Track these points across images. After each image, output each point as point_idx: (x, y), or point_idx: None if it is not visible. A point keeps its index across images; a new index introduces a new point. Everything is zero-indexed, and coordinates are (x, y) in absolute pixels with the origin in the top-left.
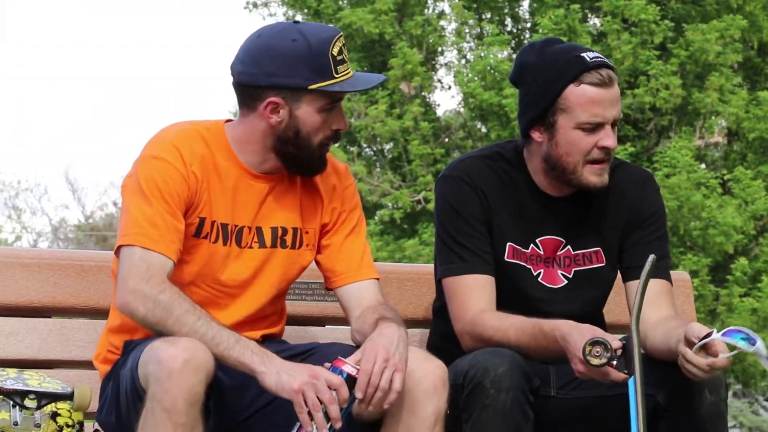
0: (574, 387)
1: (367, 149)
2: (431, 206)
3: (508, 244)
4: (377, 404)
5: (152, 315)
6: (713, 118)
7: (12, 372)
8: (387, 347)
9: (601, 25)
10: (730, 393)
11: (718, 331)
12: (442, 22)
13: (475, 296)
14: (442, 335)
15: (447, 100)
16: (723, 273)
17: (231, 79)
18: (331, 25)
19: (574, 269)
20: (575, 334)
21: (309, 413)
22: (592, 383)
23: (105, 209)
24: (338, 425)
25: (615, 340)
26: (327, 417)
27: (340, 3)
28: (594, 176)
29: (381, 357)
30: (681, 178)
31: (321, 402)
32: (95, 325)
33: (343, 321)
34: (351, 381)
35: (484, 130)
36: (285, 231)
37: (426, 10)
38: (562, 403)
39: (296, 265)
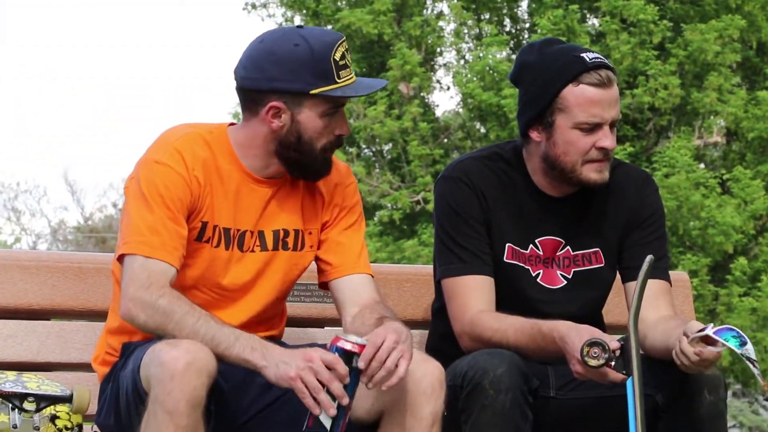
0: (572, 388)
1: (366, 150)
2: (430, 207)
3: (507, 244)
4: (378, 382)
5: (152, 321)
6: (712, 117)
7: (11, 374)
8: (398, 332)
9: (600, 25)
10: (729, 393)
11: (714, 327)
12: (440, 23)
13: (474, 297)
14: (441, 336)
15: (446, 100)
16: (722, 273)
17: (232, 81)
18: (333, 30)
19: (573, 270)
20: (573, 334)
21: (314, 397)
22: (590, 384)
23: (104, 211)
24: (345, 401)
25: (613, 341)
26: (333, 397)
27: (339, 4)
28: (594, 173)
29: (391, 337)
30: (680, 177)
31: (322, 383)
32: (94, 327)
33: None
34: (349, 356)
35: (483, 130)
36: (287, 233)
37: (425, 11)
38: (561, 404)
39: (298, 267)
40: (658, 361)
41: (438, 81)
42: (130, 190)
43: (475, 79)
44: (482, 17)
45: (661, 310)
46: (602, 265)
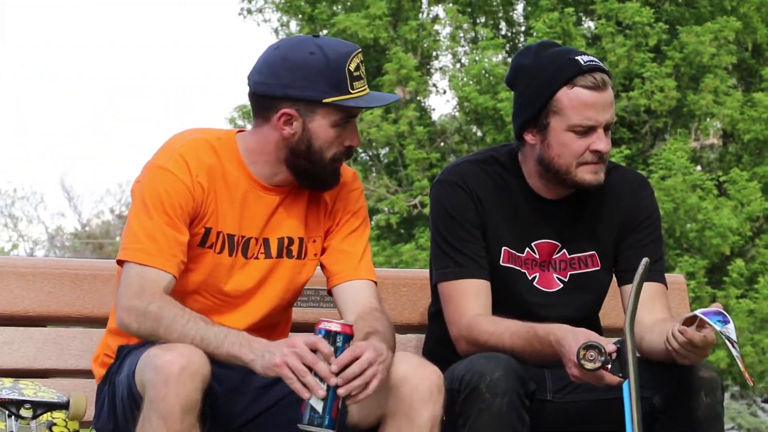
0: (569, 391)
1: (362, 154)
2: (427, 211)
3: (504, 248)
4: (349, 390)
5: (144, 327)
6: (708, 120)
7: (7, 381)
8: (377, 351)
9: (596, 28)
10: (728, 395)
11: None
12: (436, 27)
13: (470, 301)
14: (438, 340)
15: (442, 104)
16: (719, 275)
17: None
18: (349, 42)
19: (569, 273)
20: (570, 338)
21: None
22: (587, 387)
23: (101, 217)
24: (333, 381)
25: (609, 344)
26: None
27: (335, 8)
28: (589, 174)
29: (370, 355)
30: (677, 180)
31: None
32: (90, 333)
33: None
34: (334, 336)
35: (479, 134)
36: (291, 241)
37: (420, 15)
38: (558, 407)
39: (302, 275)
40: (654, 364)
41: (434, 85)
42: (134, 194)
43: (471, 82)
44: (478, 21)
45: (657, 313)
46: (598, 268)
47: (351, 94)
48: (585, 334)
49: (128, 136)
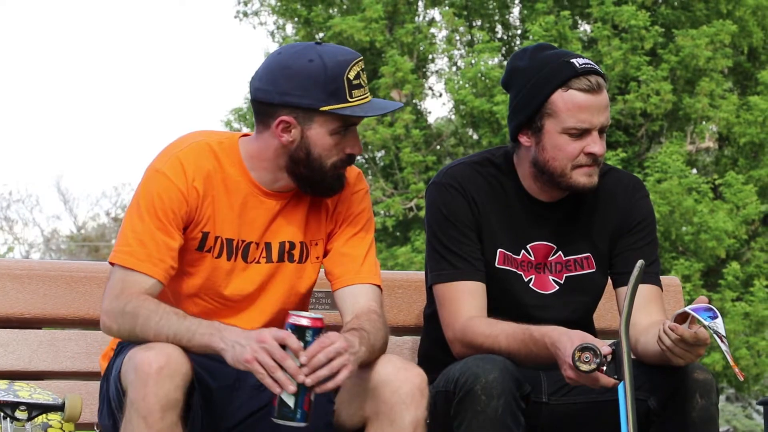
0: (565, 393)
1: (358, 157)
2: (423, 213)
3: (499, 250)
4: (316, 380)
5: (123, 328)
6: (704, 123)
7: (2, 383)
8: (349, 342)
9: (592, 31)
10: (723, 397)
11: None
12: (432, 30)
13: (465, 303)
14: (433, 342)
15: (438, 107)
16: (715, 277)
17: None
18: (351, 49)
19: (565, 275)
20: (565, 339)
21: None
22: (583, 389)
23: (97, 220)
24: (300, 378)
25: (604, 346)
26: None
27: (331, 11)
28: (583, 177)
29: (340, 344)
30: (672, 183)
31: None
32: (86, 335)
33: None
34: (302, 331)
35: (475, 137)
36: (293, 245)
37: (416, 18)
38: (553, 409)
39: (305, 279)
40: (649, 366)
41: (430, 88)
42: (133, 196)
43: (467, 85)
44: (474, 24)
45: (652, 315)
46: (594, 270)
47: (349, 102)
48: (580, 336)
49: (124, 139)
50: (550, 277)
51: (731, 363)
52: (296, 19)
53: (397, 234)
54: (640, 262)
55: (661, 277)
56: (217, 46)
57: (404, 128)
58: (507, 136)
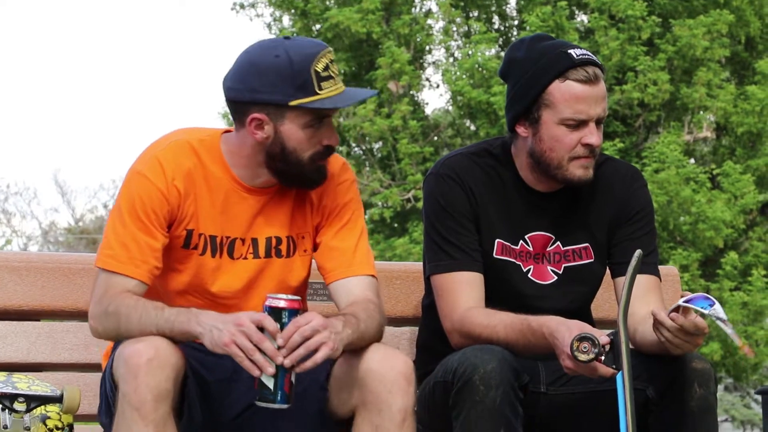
0: (563, 383)
1: (356, 148)
2: (421, 205)
3: (497, 240)
4: (294, 360)
5: (108, 329)
6: (701, 113)
7: (1, 375)
8: (328, 322)
9: (589, 21)
10: (721, 386)
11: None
12: (429, 21)
13: (463, 293)
14: (432, 332)
15: (435, 98)
16: (713, 267)
17: (220, 82)
18: (319, 41)
19: (563, 265)
20: (563, 329)
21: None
22: (581, 379)
23: (95, 212)
24: (279, 360)
25: (603, 336)
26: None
27: (327, 3)
28: (579, 169)
29: (318, 322)
30: (670, 173)
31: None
32: (83, 327)
33: None
34: (278, 313)
35: (472, 128)
36: (279, 240)
37: (413, 9)
38: (551, 399)
39: (294, 273)
40: (648, 356)
41: (427, 79)
42: (116, 198)
43: (464, 76)
44: (471, 15)
45: (650, 305)
46: (592, 260)
47: (318, 94)
48: (578, 326)
49: (122, 132)
50: (549, 268)
51: (739, 344)
52: (293, 10)
53: (395, 225)
54: (638, 252)
55: (660, 267)
56: (215, 39)
57: (402, 119)
58: (504, 127)
